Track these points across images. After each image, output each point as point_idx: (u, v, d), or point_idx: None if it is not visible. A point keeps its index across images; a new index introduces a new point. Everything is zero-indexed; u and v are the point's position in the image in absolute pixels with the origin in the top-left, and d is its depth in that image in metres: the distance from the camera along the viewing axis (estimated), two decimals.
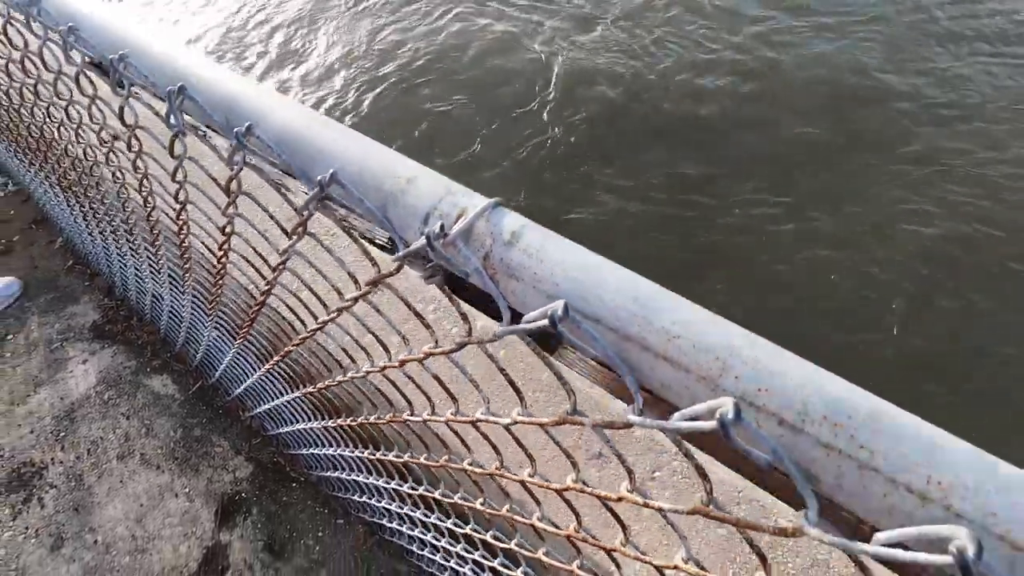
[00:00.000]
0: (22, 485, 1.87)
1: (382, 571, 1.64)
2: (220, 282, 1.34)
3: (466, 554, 1.20)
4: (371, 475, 1.35)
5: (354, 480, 1.49)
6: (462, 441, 0.80)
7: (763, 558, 0.45)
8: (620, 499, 0.52)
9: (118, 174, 1.29)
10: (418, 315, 0.57)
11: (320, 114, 0.53)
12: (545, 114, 4.41)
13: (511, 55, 4.96)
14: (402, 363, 0.67)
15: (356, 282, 0.64)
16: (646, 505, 0.54)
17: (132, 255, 1.84)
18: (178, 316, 1.87)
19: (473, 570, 1.22)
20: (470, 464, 0.84)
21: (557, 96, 4.54)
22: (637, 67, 4.64)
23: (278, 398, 1.59)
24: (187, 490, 1.84)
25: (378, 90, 4.90)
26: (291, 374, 1.46)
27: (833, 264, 3.29)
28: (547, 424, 0.50)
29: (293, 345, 1.23)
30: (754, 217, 3.55)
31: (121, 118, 0.70)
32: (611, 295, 0.37)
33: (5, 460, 1.93)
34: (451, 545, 1.25)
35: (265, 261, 0.94)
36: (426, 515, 1.24)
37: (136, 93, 0.70)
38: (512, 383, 0.52)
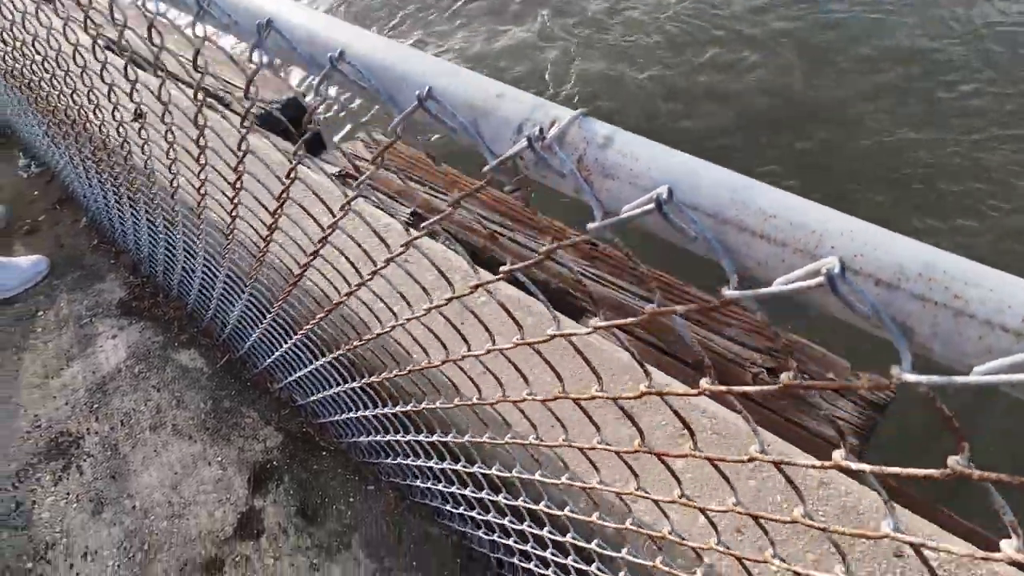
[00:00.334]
0: (60, 454, 1.92)
1: (413, 533, 1.68)
2: (262, 258, 1.38)
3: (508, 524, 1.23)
4: (407, 433, 1.39)
5: (388, 442, 1.53)
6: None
7: (800, 495, 0.48)
8: (685, 455, 0.55)
9: (169, 154, 1.32)
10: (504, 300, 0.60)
11: (399, 43, 0.56)
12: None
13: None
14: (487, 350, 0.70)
15: (387, 246, 0.68)
16: (708, 459, 0.57)
17: (167, 232, 1.87)
18: (209, 292, 1.91)
19: (511, 529, 1.26)
20: (535, 439, 0.88)
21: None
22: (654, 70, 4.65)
23: (309, 365, 1.63)
24: (219, 459, 1.88)
25: None
26: (322, 341, 1.50)
27: None
28: (630, 397, 0.53)
29: (326, 312, 1.27)
30: None
31: (247, 91, 0.73)
32: (707, 186, 0.40)
33: (43, 430, 1.98)
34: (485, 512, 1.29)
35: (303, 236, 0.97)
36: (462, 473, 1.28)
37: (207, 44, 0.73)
38: (587, 361, 0.55)
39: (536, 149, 0.44)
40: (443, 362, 0.95)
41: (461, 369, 0.94)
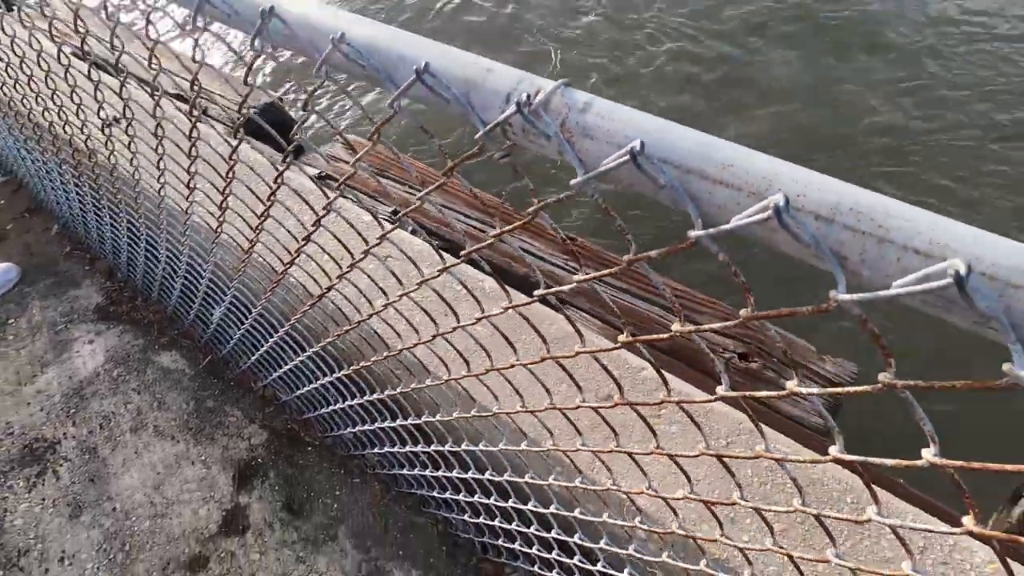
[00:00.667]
0: (35, 460, 1.89)
1: (399, 523, 1.71)
2: (247, 258, 1.41)
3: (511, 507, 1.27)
4: (393, 420, 1.42)
5: (373, 431, 1.56)
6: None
7: (799, 487, 0.54)
8: (699, 454, 0.60)
9: (152, 163, 1.34)
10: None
11: (395, 28, 0.61)
12: None
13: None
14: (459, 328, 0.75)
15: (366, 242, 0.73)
16: (720, 456, 0.63)
17: (148, 236, 1.88)
18: (192, 293, 1.92)
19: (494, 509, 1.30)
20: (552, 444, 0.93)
21: None
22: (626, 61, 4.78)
23: (292, 360, 1.65)
24: (203, 458, 1.88)
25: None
26: (305, 335, 1.53)
27: None
28: (652, 404, 0.58)
29: (310, 304, 1.30)
30: None
31: (245, 77, 0.77)
32: (674, 142, 0.46)
33: (16, 437, 1.95)
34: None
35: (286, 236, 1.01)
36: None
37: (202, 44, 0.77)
38: (603, 363, 0.61)
39: (524, 113, 0.49)
40: (449, 367, 1.00)
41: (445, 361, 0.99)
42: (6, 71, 1.74)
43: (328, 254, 1.11)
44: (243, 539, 1.70)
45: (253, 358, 1.88)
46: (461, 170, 0.62)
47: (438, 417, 1.19)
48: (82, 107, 1.42)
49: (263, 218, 1.18)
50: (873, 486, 0.55)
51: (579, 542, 1.08)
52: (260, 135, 2.69)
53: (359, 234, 0.97)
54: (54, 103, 1.46)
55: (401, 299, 1.00)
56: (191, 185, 1.32)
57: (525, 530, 1.24)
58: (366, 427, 1.55)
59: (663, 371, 0.67)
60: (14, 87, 1.75)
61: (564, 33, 5.16)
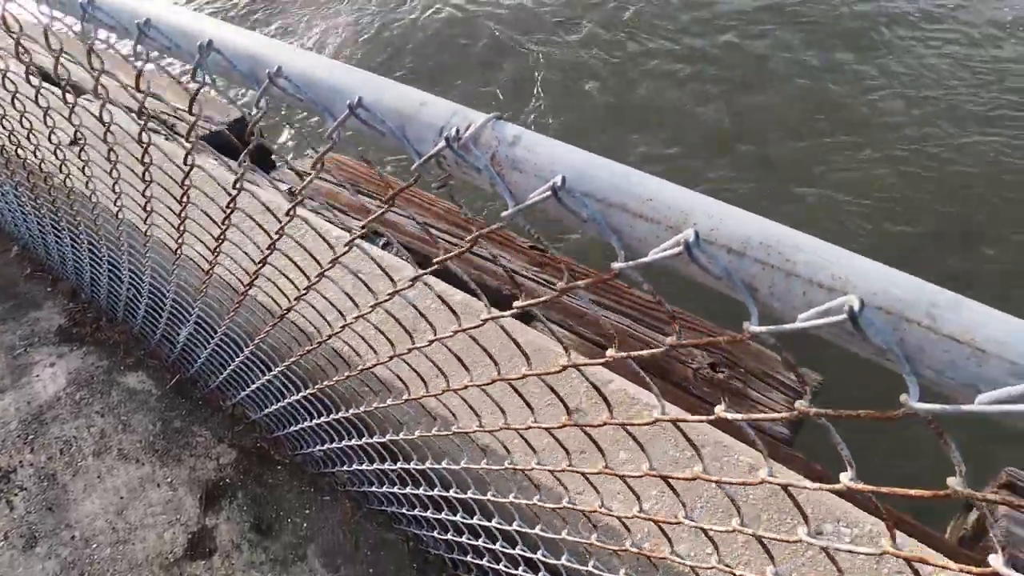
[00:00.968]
0: None
1: (370, 540, 1.70)
2: (211, 272, 1.39)
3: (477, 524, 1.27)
4: (360, 437, 1.41)
5: (342, 449, 1.55)
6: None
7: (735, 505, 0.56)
8: (645, 475, 0.62)
9: (109, 183, 1.33)
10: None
11: (333, 60, 0.62)
12: None
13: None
14: (427, 342, 0.75)
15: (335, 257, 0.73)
16: (664, 477, 0.64)
17: (110, 255, 1.85)
18: (158, 312, 1.89)
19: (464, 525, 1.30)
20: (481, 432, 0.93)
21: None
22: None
23: (260, 378, 1.64)
24: (169, 480, 1.85)
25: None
26: (272, 352, 1.51)
27: None
28: (643, 424, 0.59)
29: (276, 320, 1.29)
30: None
31: (136, 85, 0.77)
32: (599, 175, 0.47)
33: None
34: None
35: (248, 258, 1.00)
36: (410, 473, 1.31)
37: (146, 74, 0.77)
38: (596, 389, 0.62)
39: (453, 148, 0.50)
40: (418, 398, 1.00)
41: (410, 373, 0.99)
42: None
43: (285, 275, 1.11)
44: (210, 562, 1.67)
45: (221, 377, 1.85)
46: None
47: (402, 435, 1.19)
48: (34, 131, 1.40)
49: (220, 240, 1.17)
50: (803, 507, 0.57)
51: (542, 559, 1.09)
52: (229, 149, 2.67)
53: (331, 247, 0.96)
54: (3, 127, 1.44)
55: (357, 320, 1.00)
56: (148, 208, 1.31)
57: (492, 546, 1.24)
58: (334, 445, 1.54)
59: (653, 387, 0.68)
60: None
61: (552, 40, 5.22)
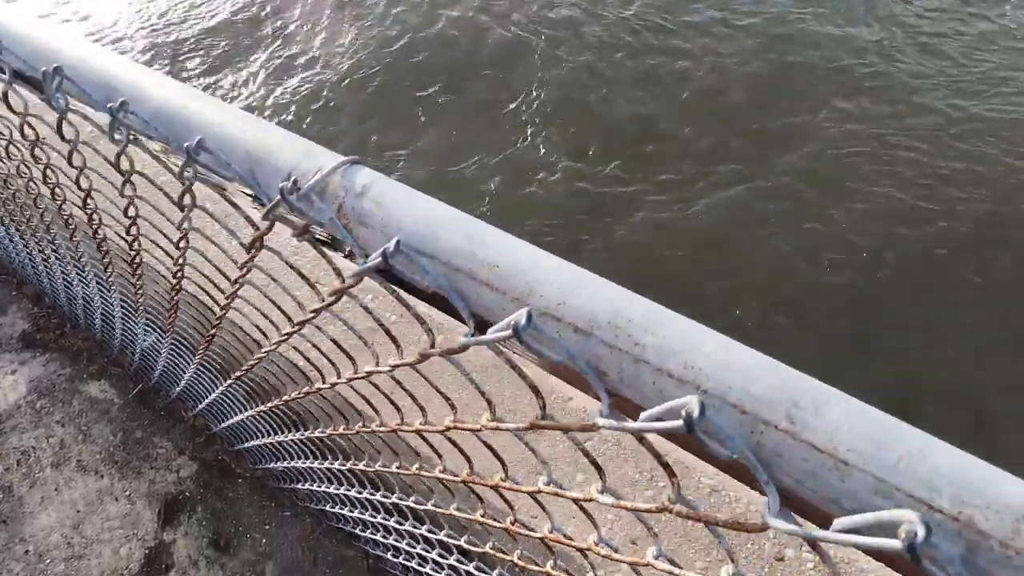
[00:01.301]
0: None
1: (329, 557, 1.66)
2: (138, 270, 1.34)
3: (438, 557, 1.23)
4: (316, 459, 1.37)
5: (299, 468, 1.50)
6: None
7: (731, 556, 0.49)
8: (591, 500, 0.55)
9: (57, 191, 1.27)
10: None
11: (198, 90, 0.56)
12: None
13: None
14: (369, 374, 0.70)
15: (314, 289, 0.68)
16: (617, 506, 0.58)
17: (75, 266, 1.80)
18: (112, 320, 1.84)
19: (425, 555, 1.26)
20: (442, 472, 0.88)
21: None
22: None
23: (216, 390, 1.59)
24: (128, 493, 1.81)
25: (347, 82, 4.96)
26: (222, 364, 1.47)
27: None
28: (522, 429, 0.53)
29: (214, 331, 1.24)
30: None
31: (60, 132, 0.71)
32: (447, 234, 0.42)
33: None
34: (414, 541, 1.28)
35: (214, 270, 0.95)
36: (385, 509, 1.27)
37: (73, 107, 0.71)
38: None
39: (290, 202, 0.44)
40: (395, 430, 0.95)
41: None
42: None
43: (254, 287, 1.05)
44: None
45: (179, 387, 1.81)
46: None
47: (377, 466, 1.13)
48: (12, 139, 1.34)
49: (183, 250, 1.11)
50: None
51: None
52: None
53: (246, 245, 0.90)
54: None
55: (304, 326, 0.94)
56: (93, 221, 1.25)
57: (446, 561, 1.20)
58: (290, 464, 1.50)
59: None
60: None
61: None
